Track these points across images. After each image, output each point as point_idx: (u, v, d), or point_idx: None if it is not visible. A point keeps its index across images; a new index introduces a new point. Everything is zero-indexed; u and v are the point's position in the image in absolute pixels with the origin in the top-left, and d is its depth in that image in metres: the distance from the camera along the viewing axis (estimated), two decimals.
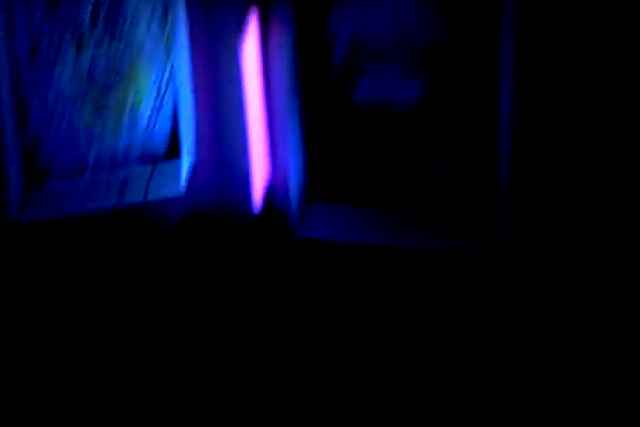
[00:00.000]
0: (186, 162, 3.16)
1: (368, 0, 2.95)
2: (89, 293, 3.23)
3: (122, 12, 3.22)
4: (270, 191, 3.10)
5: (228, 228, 3.12)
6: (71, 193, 3.31)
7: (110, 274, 3.22)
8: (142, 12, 3.22)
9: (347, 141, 3.09)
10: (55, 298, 3.25)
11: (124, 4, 3.21)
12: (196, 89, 3.09)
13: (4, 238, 3.26)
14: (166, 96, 3.24)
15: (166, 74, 3.24)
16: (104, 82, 3.28)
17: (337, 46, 3.03)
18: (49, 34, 3.25)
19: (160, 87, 3.24)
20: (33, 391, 3.21)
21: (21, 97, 3.26)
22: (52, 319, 3.25)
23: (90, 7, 3.23)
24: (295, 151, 3.10)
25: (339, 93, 3.07)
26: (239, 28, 3.02)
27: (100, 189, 3.29)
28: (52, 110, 3.29)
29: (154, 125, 3.25)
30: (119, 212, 3.22)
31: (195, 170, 3.14)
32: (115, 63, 3.26)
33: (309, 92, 3.08)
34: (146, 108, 3.26)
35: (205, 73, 3.10)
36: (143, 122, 3.27)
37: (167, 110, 3.25)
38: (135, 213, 3.21)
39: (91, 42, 3.27)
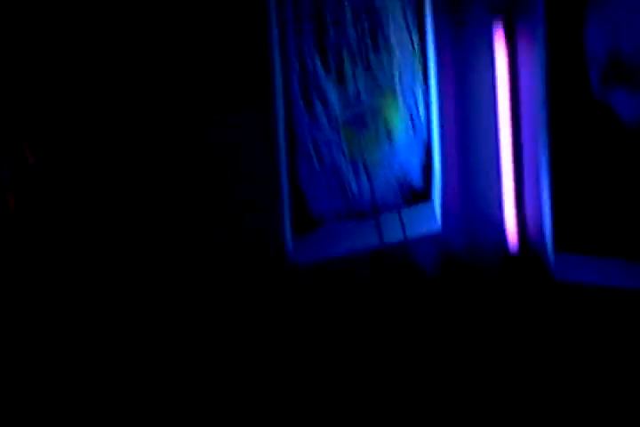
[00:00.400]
0: (438, 199, 3.02)
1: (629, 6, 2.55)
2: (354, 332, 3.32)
3: (381, 41, 3.09)
4: (523, 230, 2.87)
5: (483, 268, 2.94)
6: (336, 236, 3.32)
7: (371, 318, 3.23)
8: (399, 38, 3.06)
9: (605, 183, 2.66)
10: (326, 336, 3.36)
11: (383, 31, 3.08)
12: (445, 122, 2.94)
13: (279, 281, 3.42)
14: (419, 130, 3.06)
15: (419, 108, 3.05)
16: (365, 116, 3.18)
17: (594, 61, 2.63)
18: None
19: (414, 120, 3.06)
20: None
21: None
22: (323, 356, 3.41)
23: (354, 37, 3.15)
24: (546, 192, 2.78)
25: (599, 116, 2.66)
26: (487, 47, 2.76)
27: (360, 230, 3.24)
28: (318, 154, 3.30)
29: (410, 162, 3.08)
30: (381, 252, 3.11)
31: (447, 207, 3.00)
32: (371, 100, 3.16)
33: (562, 120, 2.72)
34: (402, 146, 3.10)
35: (454, 104, 2.88)
36: (401, 159, 3.14)
37: (420, 145, 3.06)
38: (396, 252, 3.07)
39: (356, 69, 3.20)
